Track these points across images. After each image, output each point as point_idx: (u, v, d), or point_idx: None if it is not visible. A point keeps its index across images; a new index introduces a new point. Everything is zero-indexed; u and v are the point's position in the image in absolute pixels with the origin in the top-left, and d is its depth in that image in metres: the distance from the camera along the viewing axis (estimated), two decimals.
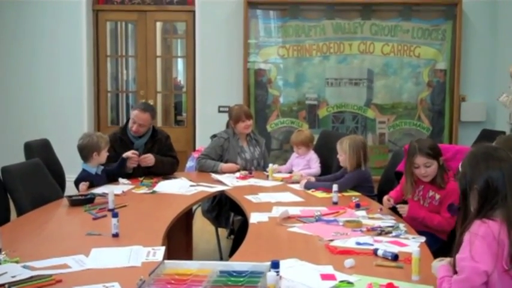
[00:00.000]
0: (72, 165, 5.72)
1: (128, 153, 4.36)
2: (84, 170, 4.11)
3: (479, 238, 1.94)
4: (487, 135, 5.25)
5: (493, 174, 2.02)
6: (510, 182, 2.02)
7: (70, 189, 4.04)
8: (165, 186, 4.12)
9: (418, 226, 3.20)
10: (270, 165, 4.58)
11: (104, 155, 4.14)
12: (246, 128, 4.83)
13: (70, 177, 4.98)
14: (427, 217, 3.30)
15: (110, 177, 4.27)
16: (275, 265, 2.11)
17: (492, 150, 2.13)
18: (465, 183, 2.09)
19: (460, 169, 2.15)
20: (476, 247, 1.93)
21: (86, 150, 4.09)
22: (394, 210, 3.43)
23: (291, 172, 4.76)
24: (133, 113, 4.51)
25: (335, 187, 3.67)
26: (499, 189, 2.01)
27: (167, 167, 4.59)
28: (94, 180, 4.06)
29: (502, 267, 1.92)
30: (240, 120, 4.79)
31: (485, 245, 1.93)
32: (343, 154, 4.11)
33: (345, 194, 3.88)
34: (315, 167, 4.80)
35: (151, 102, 6.77)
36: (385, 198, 3.51)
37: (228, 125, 5.01)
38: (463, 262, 1.95)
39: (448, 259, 2.14)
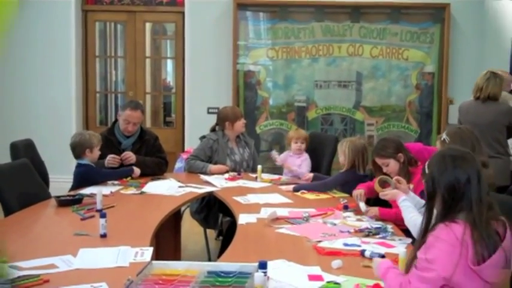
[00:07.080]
0: (58, 166, 5.73)
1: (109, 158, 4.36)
2: (83, 165, 4.11)
3: (441, 242, 1.94)
4: None
5: (460, 178, 2.01)
6: (475, 186, 2.01)
7: (54, 190, 4.03)
8: (153, 187, 4.12)
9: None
10: (259, 166, 4.58)
11: (96, 152, 4.15)
12: (243, 126, 4.87)
13: (54, 177, 4.98)
14: (399, 212, 3.29)
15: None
16: (263, 266, 2.13)
17: (460, 153, 2.11)
18: (431, 185, 2.08)
19: (426, 170, 2.13)
20: (437, 251, 1.93)
21: (78, 148, 4.09)
22: (368, 203, 3.47)
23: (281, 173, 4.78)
24: (125, 114, 4.49)
25: None
26: (465, 193, 2.01)
27: (152, 167, 4.54)
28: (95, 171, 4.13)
29: (467, 267, 1.91)
30: (238, 119, 4.81)
31: (446, 249, 1.92)
32: (342, 155, 4.12)
33: (334, 195, 3.91)
34: (304, 168, 4.82)
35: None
36: (356, 192, 3.51)
37: (212, 129, 4.98)
38: (427, 264, 1.94)
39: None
